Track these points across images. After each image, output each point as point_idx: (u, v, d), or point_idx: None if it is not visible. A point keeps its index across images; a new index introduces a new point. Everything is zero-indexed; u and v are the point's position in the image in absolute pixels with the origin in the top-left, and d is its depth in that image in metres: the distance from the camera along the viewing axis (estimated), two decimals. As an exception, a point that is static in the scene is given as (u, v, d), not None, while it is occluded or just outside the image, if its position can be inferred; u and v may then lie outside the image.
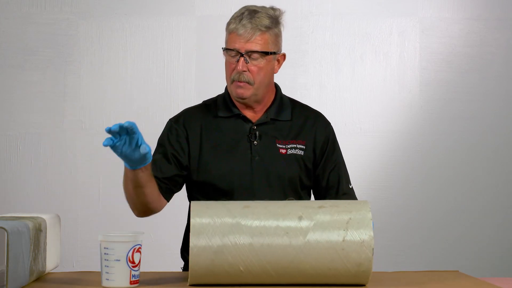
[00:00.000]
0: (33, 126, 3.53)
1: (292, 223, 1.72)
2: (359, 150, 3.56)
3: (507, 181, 3.60)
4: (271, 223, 1.72)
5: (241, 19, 2.12)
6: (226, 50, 2.16)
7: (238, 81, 2.14)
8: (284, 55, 2.23)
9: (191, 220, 1.71)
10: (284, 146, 2.19)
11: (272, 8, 2.18)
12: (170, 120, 2.26)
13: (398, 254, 3.56)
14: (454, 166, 3.59)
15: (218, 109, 2.23)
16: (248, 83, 2.13)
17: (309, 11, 3.58)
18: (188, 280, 1.73)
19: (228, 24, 2.16)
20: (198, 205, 1.76)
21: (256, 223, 1.72)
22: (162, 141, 2.22)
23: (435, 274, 1.97)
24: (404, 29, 3.59)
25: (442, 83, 3.60)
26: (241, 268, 1.70)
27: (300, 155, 2.19)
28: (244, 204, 1.77)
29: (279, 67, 2.23)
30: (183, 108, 2.30)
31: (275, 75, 2.24)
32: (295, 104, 2.28)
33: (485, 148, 3.60)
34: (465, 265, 3.43)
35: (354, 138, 3.56)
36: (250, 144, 2.18)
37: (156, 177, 2.11)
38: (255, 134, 2.18)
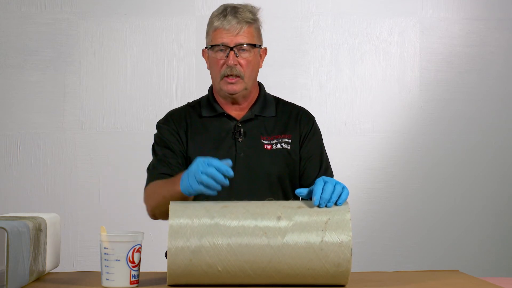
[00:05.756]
0: (33, 126, 3.53)
1: (271, 223, 1.72)
2: (359, 150, 3.56)
3: (507, 181, 3.60)
4: (250, 223, 1.72)
5: (225, 15, 2.15)
6: (212, 47, 2.16)
7: (229, 76, 2.14)
8: (265, 50, 2.25)
9: (169, 220, 1.72)
10: (269, 142, 2.19)
11: (251, 5, 2.21)
12: (158, 122, 2.27)
13: (398, 254, 3.56)
14: (454, 166, 3.59)
15: (202, 109, 2.24)
16: (239, 77, 2.15)
17: (309, 11, 3.58)
18: (167, 280, 1.73)
19: (211, 22, 2.18)
20: (176, 205, 1.77)
21: (234, 223, 1.72)
22: (159, 141, 2.22)
23: (435, 274, 1.97)
24: (404, 29, 3.59)
25: (442, 83, 3.60)
26: (219, 268, 1.70)
27: (286, 149, 2.19)
28: (222, 204, 1.77)
29: (262, 62, 2.25)
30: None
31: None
32: (278, 101, 2.29)
33: (485, 148, 3.60)
34: (465, 265, 3.43)
35: (354, 138, 3.56)
36: (235, 141, 2.18)
37: (168, 174, 2.12)
38: (240, 131, 2.19)
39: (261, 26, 2.22)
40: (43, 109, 3.53)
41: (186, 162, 2.19)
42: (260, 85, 2.29)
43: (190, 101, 2.32)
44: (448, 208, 3.59)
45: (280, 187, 2.19)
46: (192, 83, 3.54)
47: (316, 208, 1.76)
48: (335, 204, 1.78)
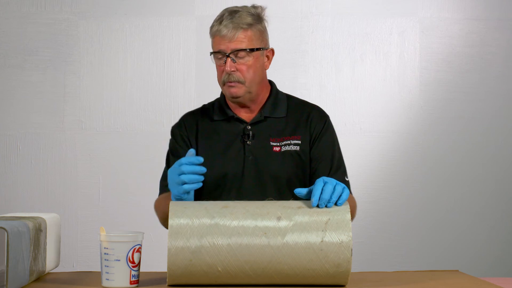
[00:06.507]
0: (33, 126, 3.53)
1: (271, 224, 1.72)
2: (359, 150, 3.56)
3: (506, 181, 3.60)
4: (250, 223, 1.72)
5: (222, 21, 2.12)
6: (213, 54, 2.15)
7: (229, 82, 2.14)
8: (272, 50, 2.22)
9: (169, 221, 1.72)
10: (278, 144, 2.18)
11: (253, 6, 2.18)
12: (173, 127, 2.27)
13: (398, 254, 3.56)
14: (454, 166, 3.59)
15: (214, 113, 2.24)
16: (239, 82, 2.13)
17: (309, 11, 3.58)
18: (167, 280, 1.73)
19: (211, 28, 2.16)
20: (176, 206, 1.77)
21: (234, 223, 1.72)
22: (173, 149, 2.23)
23: (435, 274, 1.97)
24: (404, 29, 3.59)
25: (442, 83, 3.60)
26: (219, 269, 1.70)
27: (295, 150, 2.17)
28: (223, 204, 1.77)
29: (269, 63, 2.22)
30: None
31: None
32: (291, 100, 2.27)
33: (485, 148, 3.60)
34: (465, 265, 3.43)
35: (354, 138, 3.56)
36: (244, 144, 2.17)
37: None
38: (249, 134, 2.18)
39: (267, 25, 2.19)
40: (43, 109, 3.53)
41: None
42: (271, 84, 2.26)
43: (205, 102, 2.31)
44: (448, 208, 3.59)
45: (289, 189, 2.16)
46: (192, 83, 3.54)
47: (316, 208, 1.75)
48: (335, 204, 1.77)
